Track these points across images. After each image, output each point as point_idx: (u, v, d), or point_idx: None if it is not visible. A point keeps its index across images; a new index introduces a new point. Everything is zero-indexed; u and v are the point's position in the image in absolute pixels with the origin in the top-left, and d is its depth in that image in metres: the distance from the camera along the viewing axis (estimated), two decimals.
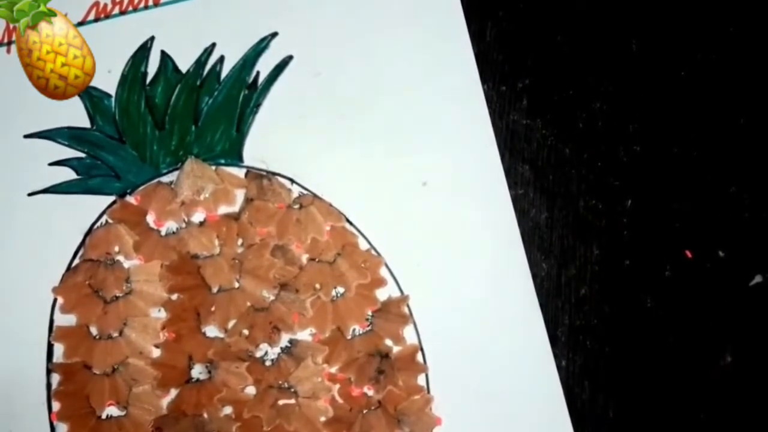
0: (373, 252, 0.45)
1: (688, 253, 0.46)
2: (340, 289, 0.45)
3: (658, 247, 0.46)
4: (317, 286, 0.45)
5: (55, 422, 0.44)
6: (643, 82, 0.47)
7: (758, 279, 0.46)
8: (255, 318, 0.44)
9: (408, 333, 0.45)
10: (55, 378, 0.44)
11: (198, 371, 0.45)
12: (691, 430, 0.46)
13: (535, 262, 0.46)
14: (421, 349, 0.45)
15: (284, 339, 0.45)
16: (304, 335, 0.45)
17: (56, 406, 0.44)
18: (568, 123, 0.47)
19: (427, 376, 0.45)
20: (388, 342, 0.45)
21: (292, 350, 0.44)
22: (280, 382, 0.44)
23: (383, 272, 0.45)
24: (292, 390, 0.44)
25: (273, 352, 0.45)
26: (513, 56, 0.47)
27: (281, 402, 0.44)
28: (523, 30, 0.48)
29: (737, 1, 0.47)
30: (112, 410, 0.44)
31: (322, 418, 0.44)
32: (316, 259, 0.45)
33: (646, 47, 0.47)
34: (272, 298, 0.45)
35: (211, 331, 0.45)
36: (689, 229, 0.46)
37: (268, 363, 0.44)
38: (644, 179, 0.47)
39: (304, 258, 0.45)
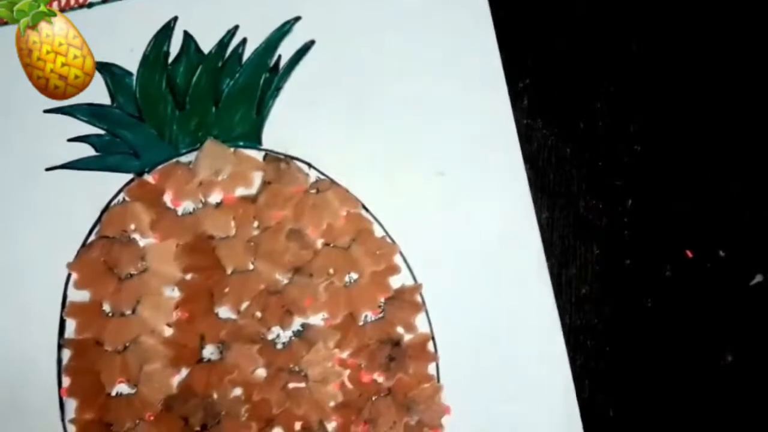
0: (387, 239, 0.45)
1: (689, 253, 0.47)
2: (354, 275, 0.45)
3: (658, 247, 0.47)
4: (331, 271, 0.45)
5: (65, 398, 0.44)
6: (643, 82, 0.47)
7: (759, 278, 0.46)
8: (268, 301, 0.44)
9: (420, 321, 0.45)
10: (67, 353, 0.44)
11: (209, 351, 0.45)
12: (691, 429, 0.46)
13: None
14: (433, 338, 0.45)
15: (296, 323, 0.45)
16: (317, 320, 0.45)
17: (66, 381, 0.44)
18: (569, 123, 0.47)
19: (437, 365, 0.45)
20: (400, 330, 0.45)
21: (303, 334, 0.44)
22: (291, 365, 0.44)
23: (397, 260, 0.45)
24: (303, 374, 0.44)
25: (285, 335, 0.45)
26: (513, 56, 0.47)
27: (291, 385, 0.44)
28: (523, 30, 0.48)
29: (737, 1, 0.47)
30: (123, 387, 0.44)
31: (332, 403, 0.44)
32: (331, 245, 0.45)
33: (646, 47, 0.47)
34: (286, 281, 0.45)
35: (224, 312, 0.45)
36: (689, 228, 0.47)
37: (279, 346, 0.44)
38: (645, 179, 0.47)
39: (319, 243, 0.45)
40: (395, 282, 0.45)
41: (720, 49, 0.47)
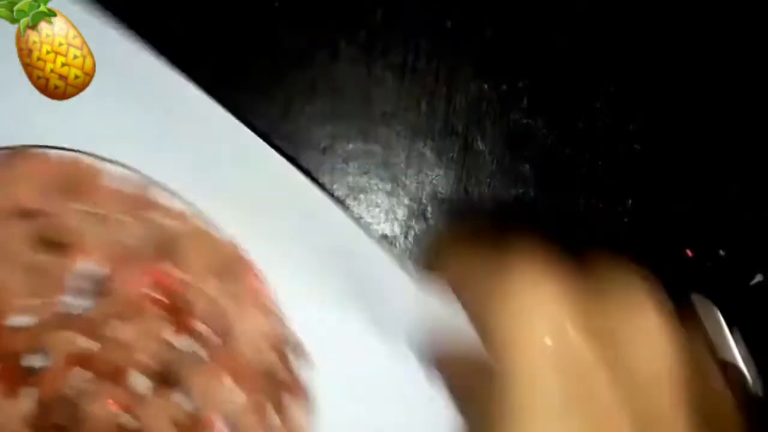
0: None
1: (689, 252, 0.47)
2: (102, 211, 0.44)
3: (658, 247, 0.47)
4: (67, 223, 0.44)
5: None
6: (644, 81, 0.47)
7: (759, 278, 0.46)
8: (36, 282, 0.43)
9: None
10: None
11: (36, 361, 0.44)
12: None
13: None
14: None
15: (80, 281, 0.44)
16: (93, 266, 0.44)
17: None
18: (568, 122, 0.47)
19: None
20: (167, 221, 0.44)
21: (94, 288, 0.44)
22: (108, 319, 0.43)
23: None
24: (124, 320, 0.44)
25: (80, 301, 0.44)
26: (512, 55, 0.47)
27: (121, 335, 0.43)
28: (523, 29, 0.48)
29: (738, 1, 0.48)
30: None
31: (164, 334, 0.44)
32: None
33: (646, 47, 0.47)
34: (36, 255, 0.44)
35: (17, 320, 0.44)
36: (690, 228, 0.47)
37: (82, 312, 0.44)
38: (644, 179, 0.47)
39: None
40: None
41: (721, 48, 0.48)
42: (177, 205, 0.43)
